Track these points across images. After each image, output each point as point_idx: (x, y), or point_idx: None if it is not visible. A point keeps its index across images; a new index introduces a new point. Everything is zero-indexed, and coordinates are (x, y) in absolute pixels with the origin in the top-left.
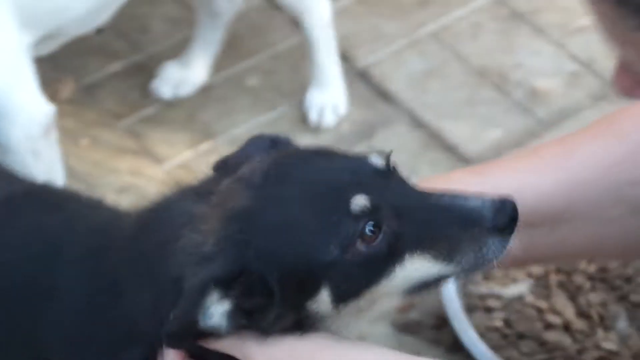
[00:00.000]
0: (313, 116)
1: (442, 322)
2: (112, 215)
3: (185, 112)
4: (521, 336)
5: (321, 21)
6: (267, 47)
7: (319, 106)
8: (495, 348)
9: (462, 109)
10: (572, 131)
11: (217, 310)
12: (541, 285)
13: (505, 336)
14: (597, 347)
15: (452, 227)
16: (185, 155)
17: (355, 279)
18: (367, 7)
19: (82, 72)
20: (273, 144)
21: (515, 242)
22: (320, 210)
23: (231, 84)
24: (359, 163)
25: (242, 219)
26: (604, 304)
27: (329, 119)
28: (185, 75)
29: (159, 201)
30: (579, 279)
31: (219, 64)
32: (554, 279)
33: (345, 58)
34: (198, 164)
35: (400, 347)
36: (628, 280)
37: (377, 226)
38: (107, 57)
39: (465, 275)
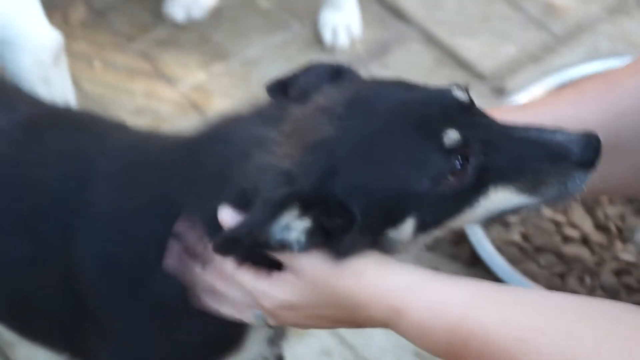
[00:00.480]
0: (327, 36)
1: (460, 238)
2: (142, 135)
3: (198, 34)
4: (539, 250)
5: None
6: None
7: (333, 26)
8: (513, 261)
9: (475, 26)
10: (615, 67)
11: (297, 226)
12: None
13: (523, 250)
14: (616, 258)
15: (539, 161)
16: (198, 76)
17: (442, 210)
18: None
19: None
20: (335, 72)
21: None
22: (412, 143)
23: (243, 5)
24: (444, 96)
25: (327, 147)
26: (621, 217)
27: (343, 39)
28: None
29: (218, 122)
30: None
31: None
32: None
33: None
34: (212, 85)
35: (419, 263)
36: None
37: (467, 159)
38: None
39: (544, 206)
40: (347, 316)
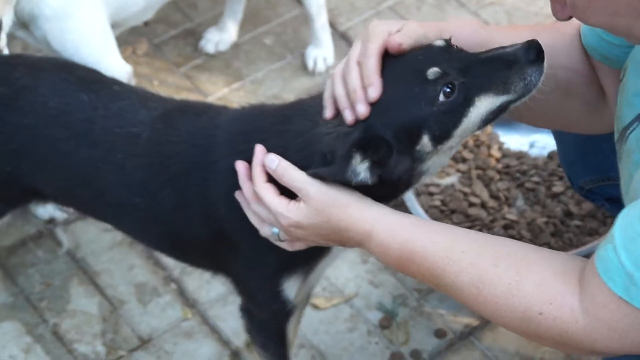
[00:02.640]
0: (310, 64)
1: (399, 202)
2: (239, 109)
3: (223, 62)
4: (453, 211)
5: (318, 1)
6: (277, 16)
7: (314, 58)
8: (436, 219)
9: None
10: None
11: (361, 168)
12: (466, 177)
13: (442, 212)
14: (504, 218)
15: (501, 70)
16: (223, 91)
17: (445, 123)
18: None
19: (153, 35)
20: None
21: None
22: (409, 84)
23: (254, 42)
24: (429, 48)
25: None
26: (508, 189)
27: (321, 67)
28: (222, 37)
29: (295, 101)
30: (491, 173)
31: (245, 29)
32: (474, 172)
33: (331, 24)
34: (232, 97)
35: None
36: (524, 173)
37: (451, 84)
38: (169, 25)
39: (521, 100)
40: (336, 236)
